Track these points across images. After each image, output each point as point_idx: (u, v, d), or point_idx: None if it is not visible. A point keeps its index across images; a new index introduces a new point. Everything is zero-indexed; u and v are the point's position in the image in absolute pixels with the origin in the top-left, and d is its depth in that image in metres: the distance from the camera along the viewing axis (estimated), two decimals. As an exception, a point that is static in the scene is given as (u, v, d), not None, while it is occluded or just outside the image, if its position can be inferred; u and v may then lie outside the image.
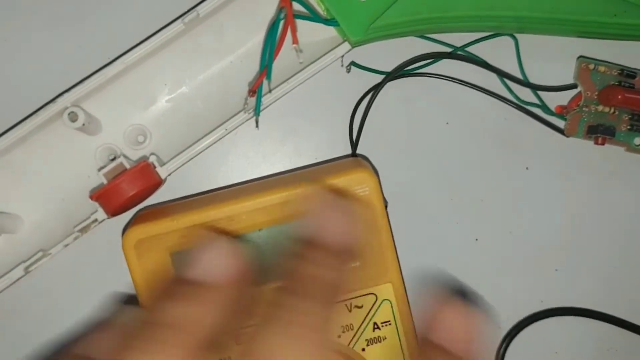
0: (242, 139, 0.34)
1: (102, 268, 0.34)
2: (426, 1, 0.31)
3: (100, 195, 0.30)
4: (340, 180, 0.29)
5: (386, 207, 0.32)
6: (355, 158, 0.32)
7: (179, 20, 0.31)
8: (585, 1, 0.31)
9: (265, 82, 0.31)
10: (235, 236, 0.29)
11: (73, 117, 0.31)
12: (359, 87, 0.34)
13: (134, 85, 0.33)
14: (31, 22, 0.34)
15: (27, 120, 0.31)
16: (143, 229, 0.29)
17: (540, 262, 0.35)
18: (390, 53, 0.34)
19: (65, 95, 0.31)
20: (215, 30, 0.33)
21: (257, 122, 0.32)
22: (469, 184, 0.34)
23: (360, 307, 0.29)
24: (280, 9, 0.30)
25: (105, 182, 0.31)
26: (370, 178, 0.29)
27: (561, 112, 0.34)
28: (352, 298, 0.29)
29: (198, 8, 0.31)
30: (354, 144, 0.33)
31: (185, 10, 0.32)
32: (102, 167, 0.31)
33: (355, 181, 0.29)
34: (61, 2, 0.34)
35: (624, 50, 0.34)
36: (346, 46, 0.32)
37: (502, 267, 0.34)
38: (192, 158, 0.32)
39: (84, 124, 0.31)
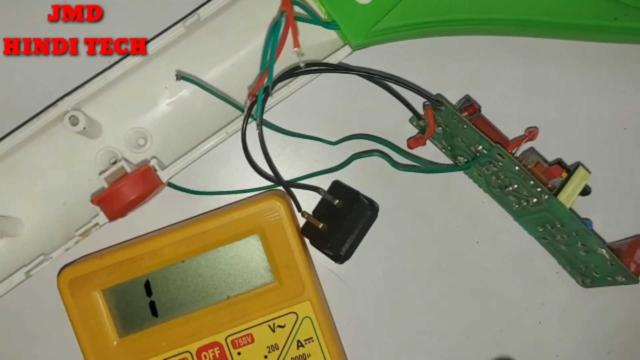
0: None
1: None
2: (427, 5, 0.31)
3: (101, 200, 0.30)
4: (252, 209, 0.31)
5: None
6: (275, 189, 0.34)
7: (180, 24, 0.31)
8: (585, 5, 0.31)
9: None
10: (160, 269, 0.31)
11: (74, 121, 0.31)
12: (361, 90, 0.34)
13: (135, 89, 0.33)
14: (32, 25, 0.34)
15: (28, 124, 0.31)
16: (75, 269, 0.31)
17: (541, 265, 0.35)
18: (391, 54, 0.34)
19: (66, 98, 0.31)
20: (216, 34, 0.33)
21: (257, 125, 0.32)
22: (470, 187, 0.34)
23: (282, 327, 0.31)
24: (281, 13, 0.30)
25: (106, 185, 0.31)
26: (280, 205, 0.31)
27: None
28: (274, 318, 0.32)
29: (199, 11, 0.31)
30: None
31: (187, 13, 0.32)
32: (103, 171, 0.31)
33: (266, 208, 0.31)
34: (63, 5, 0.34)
35: (624, 53, 0.34)
36: (347, 49, 0.32)
37: (503, 269, 0.34)
38: (193, 161, 0.32)
39: (84, 128, 0.31)
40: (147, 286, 0.32)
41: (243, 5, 0.32)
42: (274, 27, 0.30)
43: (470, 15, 0.32)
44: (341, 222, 0.32)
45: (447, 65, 0.34)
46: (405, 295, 0.34)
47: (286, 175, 0.34)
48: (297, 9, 0.31)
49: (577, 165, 0.32)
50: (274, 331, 0.31)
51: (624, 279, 0.30)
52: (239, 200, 0.34)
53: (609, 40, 0.33)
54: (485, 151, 0.31)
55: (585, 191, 0.31)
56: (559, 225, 0.31)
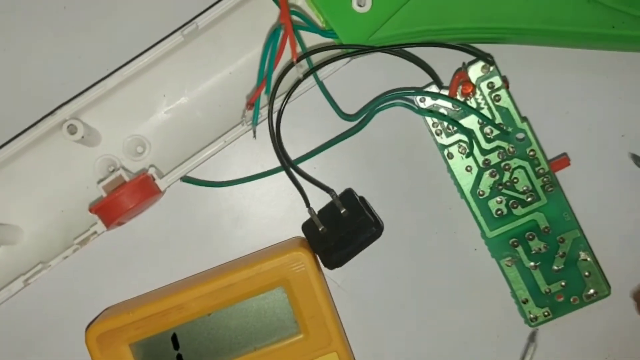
0: (241, 149, 0.34)
1: (101, 279, 0.34)
2: (425, 13, 0.31)
3: (99, 209, 0.30)
4: (278, 261, 0.31)
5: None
6: (297, 237, 0.34)
7: (178, 32, 0.31)
8: (583, 13, 0.31)
9: (264, 95, 0.31)
10: (186, 323, 0.32)
11: (72, 130, 0.31)
12: (357, 97, 0.34)
13: (133, 97, 0.33)
14: (30, 34, 0.34)
15: (27, 132, 0.31)
16: (103, 324, 0.31)
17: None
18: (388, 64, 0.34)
19: (65, 107, 0.31)
20: (214, 42, 0.33)
21: (254, 132, 0.32)
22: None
23: None
24: (279, 25, 0.30)
25: (104, 194, 0.31)
26: (304, 256, 0.31)
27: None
28: None
29: (197, 20, 0.31)
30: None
31: (185, 22, 0.32)
32: (101, 180, 0.31)
33: (291, 260, 0.31)
34: (61, 14, 0.34)
35: (622, 61, 0.34)
36: (345, 58, 0.32)
37: (501, 276, 0.34)
38: (192, 169, 0.32)
39: (83, 137, 0.31)
40: (175, 339, 0.32)
41: (241, 13, 0.32)
42: (272, 35, 0.30)
43: (470, 23, 0.32)
44: (341, 231, 0.32)
45: (444, 69, 0.34)
46: (402, 299, 0.35)
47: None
48: (294, 17, 0.31)
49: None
50: None
51: (594, 294, 0.31)
52: (262, 250, 0.34)
53: (607, 48, 0.33)
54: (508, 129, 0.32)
55: None
56: (544, 230, 0.32)
